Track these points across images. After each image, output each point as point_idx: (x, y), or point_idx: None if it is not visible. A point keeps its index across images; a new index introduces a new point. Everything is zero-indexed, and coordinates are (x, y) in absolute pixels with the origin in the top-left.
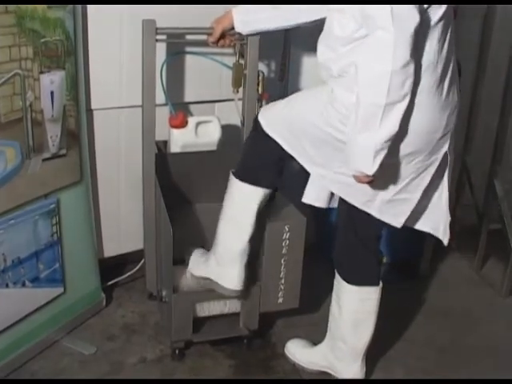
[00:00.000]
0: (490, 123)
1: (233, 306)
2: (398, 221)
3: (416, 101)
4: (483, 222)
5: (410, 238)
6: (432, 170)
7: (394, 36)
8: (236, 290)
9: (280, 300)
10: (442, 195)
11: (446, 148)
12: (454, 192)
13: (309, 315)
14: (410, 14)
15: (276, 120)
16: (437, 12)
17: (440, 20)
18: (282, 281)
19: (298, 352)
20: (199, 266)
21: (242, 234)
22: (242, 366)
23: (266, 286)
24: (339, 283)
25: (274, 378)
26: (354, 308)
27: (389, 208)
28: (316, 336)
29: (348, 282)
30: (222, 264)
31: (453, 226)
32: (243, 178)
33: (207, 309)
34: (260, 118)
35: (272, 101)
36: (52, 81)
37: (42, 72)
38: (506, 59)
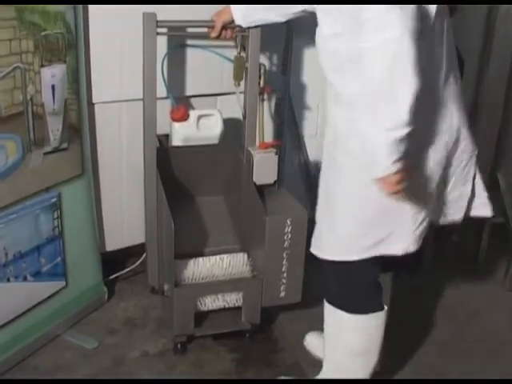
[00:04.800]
0: (494, 116)
1: (235, 300)
2: (457, 215)
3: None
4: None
5: None
6: (473, 160)
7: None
8: None
9: (282, 294)
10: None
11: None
12: None
13: (311, 309)
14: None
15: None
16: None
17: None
18: (284, 275)
19: (314, 345)
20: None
21: (374, 362)
22: (243, 360)
23: (268, 280)
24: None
25: (276, 372)
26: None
27: (448, 207)
28: (318, 331)
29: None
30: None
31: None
32: (352, 308)
33: (209, 303)
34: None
35: (274, 94)
36: (53, 74)
37: (42, 65)
38: (509, 52)
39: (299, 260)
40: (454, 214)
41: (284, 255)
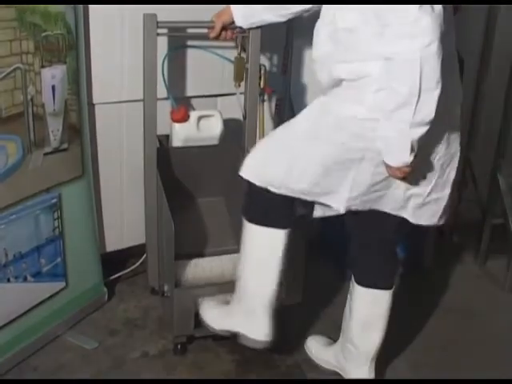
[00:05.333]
0: (494, 117)
1: None
2: (433, 220)
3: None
4: (486, 217)
5: (412, 233)
6: (455, 164)
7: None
8: (267, 341)
9: (283, 295)
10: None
11: (459, 138)
12: (457, 187)
13: (312, 310)
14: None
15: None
16: None
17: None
18: (285, 276)
19: (315, 349)
20: (220, 318)
21: (271, 280)
22: (243, 360)
23: None
24: (352, 284)
25: (276, 373)
26: (364, 311)
27: (423, 211)
28: (318, 332)
29: (359, 284)
30: (250, 314)
31: (455, 220)
32: (256, 219)
33: None
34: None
35: (274, 95)
36: (53, 75)
37: (43, 66)
38: (510, 52)
39: (300, 261)
40: (426, 218)
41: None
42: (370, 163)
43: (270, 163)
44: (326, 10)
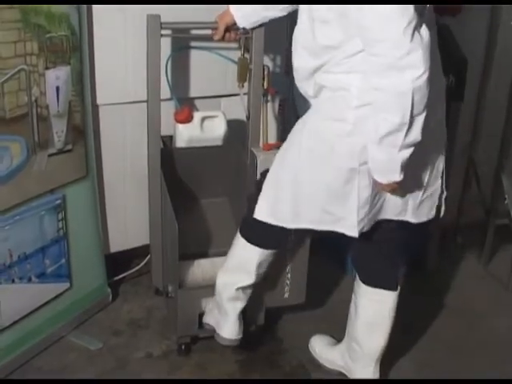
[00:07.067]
0: (497, 117)
1: None
2: (431, 214)
3: None
4: (490, 217)
5: (415, 234)
6: (443, 155)
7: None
8: (232, 340)
9: (286, 295)
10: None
11: (444, 129)
12: (461, 187)
13: (315, 310)
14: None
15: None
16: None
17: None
18: (288, 276)
19: (318, 348)
20: (208, 312)
21: (235, 287)
22: (248, 360)
23: (272, 282)
24: (357, 283)
25: (280, 373)
26: (369, 310)
27: (421, 209)
28: (322, 331)
29: (364, 283)
30: (220, 312)
31: (459, 221)
32: (248, 237)
33: None
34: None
35: (278, 95)
36: (57, 76)
37: (47, 67)
38: None
39: (303, 261)
40: (426, 213)
41: (288, 256)
42: (366, 176)
43: (279, 202)
44: (302, 21)
